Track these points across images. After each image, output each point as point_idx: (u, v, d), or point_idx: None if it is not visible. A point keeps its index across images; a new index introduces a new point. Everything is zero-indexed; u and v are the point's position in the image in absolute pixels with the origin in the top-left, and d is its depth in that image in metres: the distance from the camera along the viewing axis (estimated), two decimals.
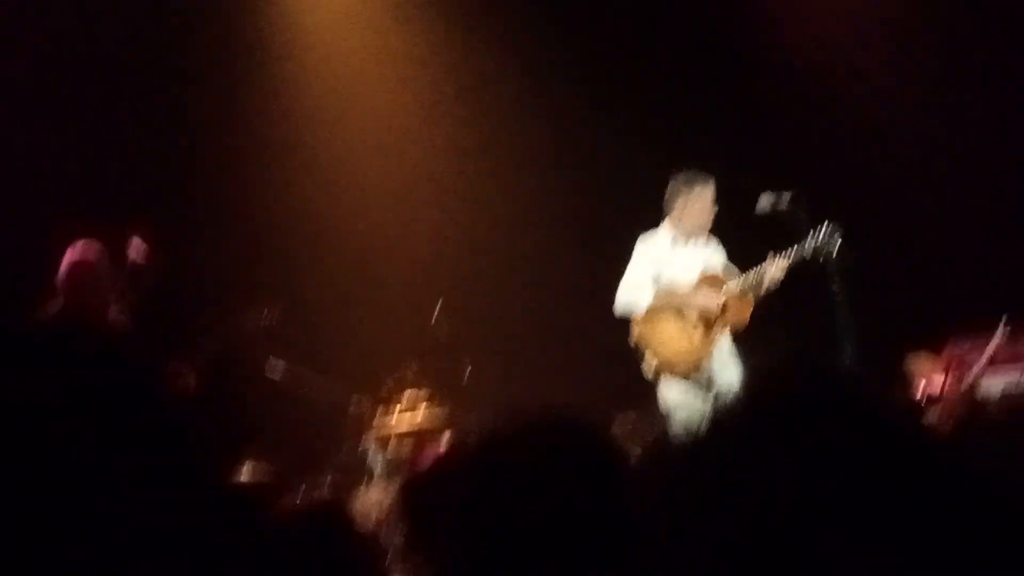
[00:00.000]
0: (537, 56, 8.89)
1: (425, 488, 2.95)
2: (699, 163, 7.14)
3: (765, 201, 6.87)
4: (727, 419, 1.35)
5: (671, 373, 6.98)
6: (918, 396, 6.31)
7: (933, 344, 6.78)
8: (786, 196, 6.84)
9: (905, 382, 6.49)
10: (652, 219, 7.19)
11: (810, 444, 1.24)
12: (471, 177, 8.94)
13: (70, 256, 6.10)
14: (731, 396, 1.40)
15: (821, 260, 6.79)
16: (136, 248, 6.10)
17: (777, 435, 1.26)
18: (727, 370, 7.00)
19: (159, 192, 8.15)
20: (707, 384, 6.95)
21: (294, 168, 8.75)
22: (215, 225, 8.43)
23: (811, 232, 6.80)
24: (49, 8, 8.05)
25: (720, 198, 7.05)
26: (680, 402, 6.93)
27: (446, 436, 7.06)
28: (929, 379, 6.55)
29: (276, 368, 7.38)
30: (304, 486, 6.82)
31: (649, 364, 7.00)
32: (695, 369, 6.97)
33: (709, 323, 6.99)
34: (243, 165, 8.58)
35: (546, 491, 1.76)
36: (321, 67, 8.97)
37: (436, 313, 7.92)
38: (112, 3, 8.19)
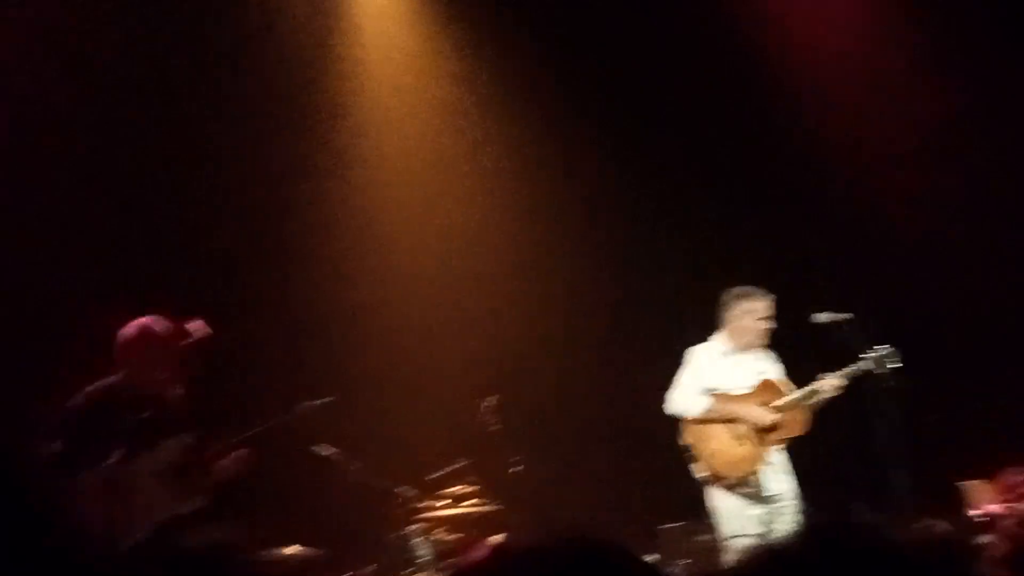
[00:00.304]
0: (603, 170, 8.98)
1: None
2: (757, 279, 7.16)
3: (822, 316, 6.86)
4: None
5: (720, 482, 6.93)
6: (972, 521, 6.22)
7: (987, 472, 6.69)
8: (842, 315, 6.83)
9: (959, 508, 6.40)
10: (704, 333, 7.21)
11: None
12: (526, 276, 9.00)
13: (136, 327, 6.23)
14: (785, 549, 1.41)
15: (876, 381, 6.74)
16: (197, 328, 6.21)
17: None
18: (779, 482, 6.94)
19: (215, 277, 8.28)
20: (758, 495, 6.88)
21: (349, 259, 8.86)
22: (269, 313, 8.55)
23: (867, 352, 6.76)
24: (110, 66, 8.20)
25: (777, 315, 7.06)
26: (729, 510, 6.87)
27: (497, 538, 7.03)
28: (982, 506, 6.46)
29: (326, 451, 7.42)
30: (350, 572, 6.83)
31: (699, 469, 6.96)
32: (745, 481, 6.91)
33: (761, 436, 6.94)
34: (298, 253, 8.70)
35: None
36: (376, 149, 9.07)
37: (487, 409, 7.94)
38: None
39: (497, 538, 6.94)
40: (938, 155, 8.48)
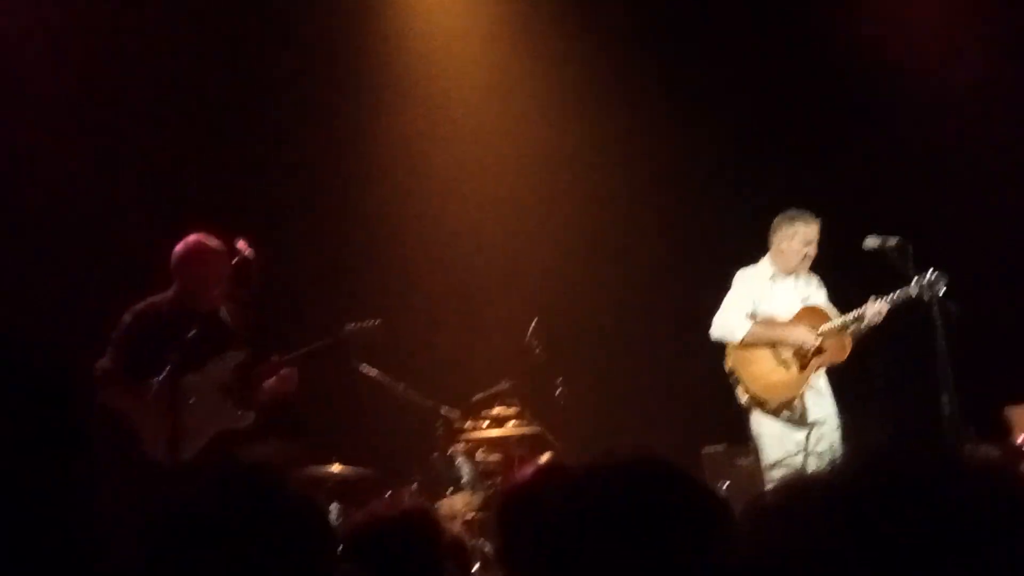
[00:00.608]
0: (649, 88, 8.89)
1: (520, 506, 2.97)
2: (808, 202, 7.11)
3: (872, 241, 6.80)
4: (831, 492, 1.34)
5: (762, 407, 6.95)
6: (1018, 448, 6.20)
7: None
8: (893, 240, 6.77)
9: (1004, 432, 6.38)
10: (754, 253, 7.19)
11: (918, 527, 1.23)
12: (570, 198, 8.96)
13: (189, 244, 6.27)
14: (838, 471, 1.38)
15: (924, 306, 6.70)
16: (243, 248, 6.23)
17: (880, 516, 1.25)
18: (820, 407, 6.95)
19: (267, 199, 8.31)
20: (800, 419, 6.90)
21: (398, 184, 8.84)
22: (316, 235, 8.57)
23: (915, 277, 6.71)
24: (170, 9, 8.22)
25: (825, 239, 7.02)
26: (771, 435, 6.90)
27: (544, 457, 7.08)
28: None
29: (370, 371, 7.48)
30: (391, 490, 6.91)
31: (741, 394, 6.98)
32: (787, 405, 6.93)
33: (805, 360, 6.94)
34: (350, 179, 8.69)
35: (637, 532, 1.77)
36: (427, 84, 9.03)
37: (530, 331, 7.96)
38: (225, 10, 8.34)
39: (545, 457, 6.99)
40: (994, 82, 8.35)
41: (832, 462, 1.45)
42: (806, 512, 1.33)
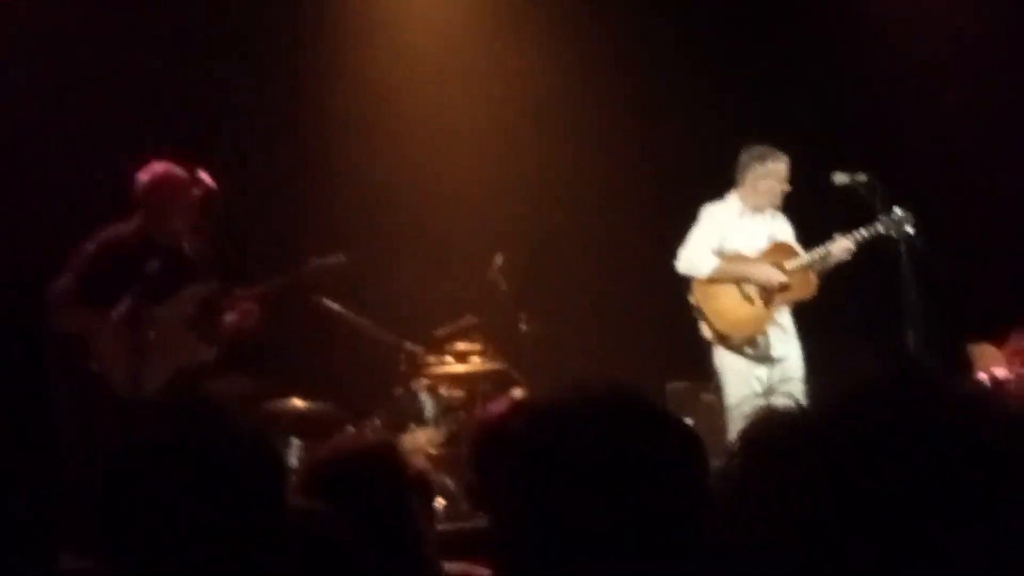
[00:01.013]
0: (614, 28, 8.81)
1: (492, 441, 2.94)
2: (775, 136, 7.08)
3: (841, 177, 6.79)
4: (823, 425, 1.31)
5: (726, 342, 6.95)
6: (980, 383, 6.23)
7: (997, 336, 6.71)
8: (862, 176, 6.76)
9: (966, 370, 6.42)
10: (719, 187, 7.16)
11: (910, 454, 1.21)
12: (536, 133, 8.89)
13: (154, 172, 6.15)
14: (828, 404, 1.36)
15: (890, 244, 6.71)
16: (205, 179, 6.13)
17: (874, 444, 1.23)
18: (785, 344, 6.97)
19: (229, 131, 8.18)
20: (764, 355, 6.91)
21: (362, 118, 8.73)
22: (282, 168, 8.46)
23: (882, 215, 6.71)
24: None
25: (792, 176, 6.99)
26: (734, 371, 6.91)
27: (517, 392, 7.07)
28: (990, 369, 6.49)
29: (333, 305, 7.43)
30: (353, 426, 6.89)
31: (705, 329, 6.98)
32: (751, 341, 6.93)
33: (769, 296, 6.94)
34: (314, 112, 8.57)
35: (608, 464, 1.73)
36: (394, 24, 8.90)
37: (494, 267, 7.93)
38: None
39: (518, 392, 6.99)
40: (961, 20, 8.33)
41: (814, 397, 1.42)
42: (795, 447, 1.30)
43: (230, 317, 6.31)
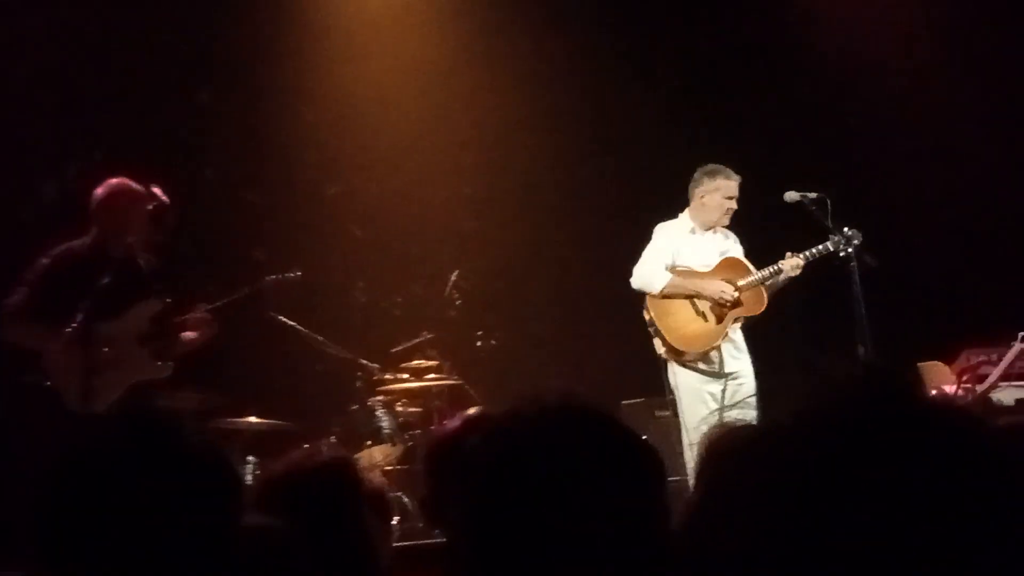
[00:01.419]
0: (574, 38, 8.86)
1: (446, 455, 2.93)
2: (728, 157, 7.15)
3: (792, 195, 6.90)
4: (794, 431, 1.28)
5: (680, 358, 7.00)
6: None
7: (946, 354, 6.79)
8: (812, 195, 6.87)
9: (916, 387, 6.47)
10: (674, 207, 7.22)
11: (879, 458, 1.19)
12: (491, 154, 8.92)
13: (110, 187, 6.15)
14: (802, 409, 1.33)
15: (840, 262, 6.79)
16: (159, 193, 6.12)
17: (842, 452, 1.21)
18: (737, 360, 7.02)
19: (186, 144, 8.16)
20: (718, 371, 6.97)
21: (321, 135, 8.74)
22: (240, 184, 8.45)
23: (831, 234, 6.81)
24: None
25: (744, 195, 7.07)
26: (688, 387, 6.95)
27: (473, 409, 7.07)
28: (940, 388, 6.56)
29: (290, 322, 7.41)
30: (309, 442, 6.86)
31: (659, 345, 7.02)
32: (704, 357, 6.98)
33: (722, 312, 7.00)
34: (274, 127, 8.56)
35: (563, 477, 1.74)
36: (356, 39, 8.90)
37: (451, 284, 7.95)
38: None
39: (472, 410, 6.99)
40: (912, 39, 8.45)
41: (768, 411, 1.40)
42: (766, 459, 1.29)
43: (188, 334, 6.28)
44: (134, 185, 6.15)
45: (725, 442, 1.66)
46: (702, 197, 7.07)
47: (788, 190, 6.94)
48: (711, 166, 7.10)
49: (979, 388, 6.52)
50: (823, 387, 1.32)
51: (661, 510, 1.71)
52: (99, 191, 6.16)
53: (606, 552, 1.68)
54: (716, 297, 6.96)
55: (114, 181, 6.18)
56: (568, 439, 1.78)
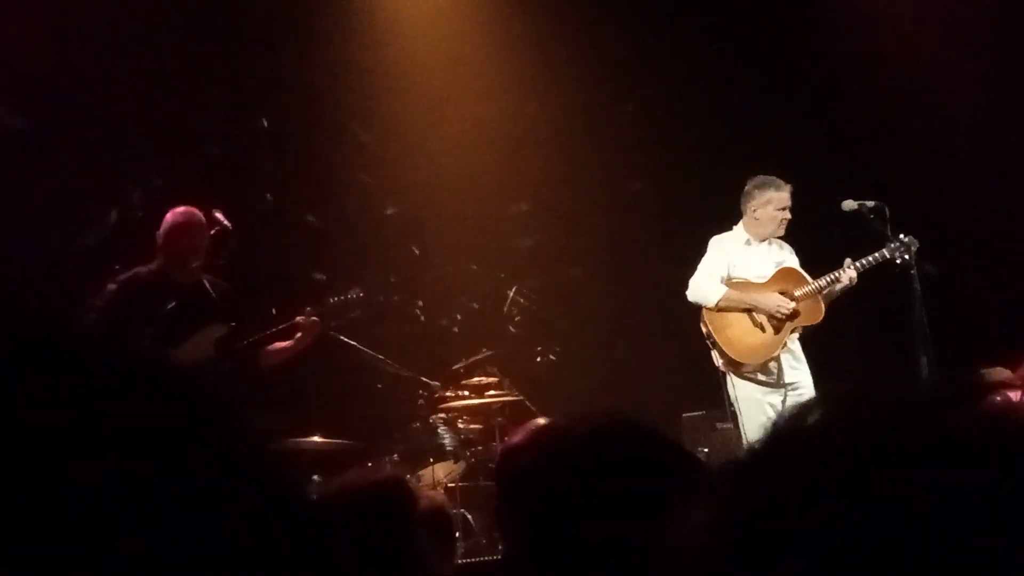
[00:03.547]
0: (625, 53, 8.88)
1: (507, 466, 2.96)
2: (785, 167, 7.13)
3: (850, 204, 6.88)
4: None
5: (739, 370, 6.98)
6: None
7: (1010, 360, 6.71)
8: (870, 203, 6.83)
9: (980, 396, 6.41)
10: (731, 219, 7.21)
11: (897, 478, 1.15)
12: (547, 170, 8.95)
13: (176, 215, 6.30)
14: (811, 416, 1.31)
15: (899, 271, 6.75)
16: (220, 218, 6.27)
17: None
18: (797, 371, 6.99)
19: (245, 169, 8.29)
20: (777, 381, 6.94)
21: (376, 154, 8.82)
22: (299, 206, 8.55)
23: (888, 242, 6.77)
24: None
25: (799, 205, 7.05)
26: (748, 399, 6.92)
27: (535, 421, 7.08)
28: (1004, 393, 6.47)
29: (352, 343, 7.49)
30: (371, 461, 6.92)
31: (718, 358, 7.01)
32: (763, 368, 6.96)
33: (780, 324, 6.97)
34: (330, 147, 8.67)
35: (609, 492, 1.77)
36: (413, 68, 8.97)
37: (510, 301, 7.99)
38: None
39: (537, 421, 7.01)
40: (968, 51, 8.38)
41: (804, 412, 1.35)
42: (784, 466, 1.29)
43: (279, 344, 6.45)
44: (196, 212, 6.30)
45: (744, 454, 1.67)
46: (754, 211, 7.05)
47: (846, 199, 6.92)
48: (761, 178, 7.08)
49: None
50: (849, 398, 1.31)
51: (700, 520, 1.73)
52: (168, 219, 6.32)
53: (652, 565, 1.71)
54: (773, 311, 6.94)
55: (179, 209, 6.34)
56: (617, 454, 1.82)
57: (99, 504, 0.81)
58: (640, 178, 8.93)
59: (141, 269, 6.30)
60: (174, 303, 5.90)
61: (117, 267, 6.36)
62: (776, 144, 8.13)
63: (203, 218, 6.29)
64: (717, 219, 7.27)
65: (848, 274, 6.84)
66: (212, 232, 6.25)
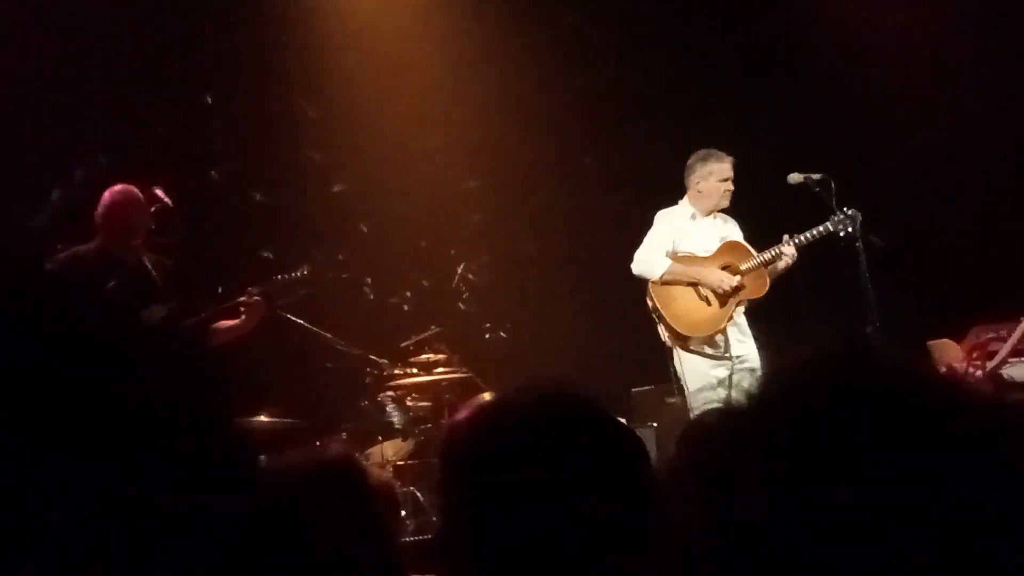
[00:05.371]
0: (574, 29, 8.86)
1: (448, 443, 2.94)
2: (725, 142, 7.14)
3: (796, 176, 6.89)
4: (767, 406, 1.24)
5: (685, 344, 6.99)
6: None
7: (955, 331, 6.77)
8: (814, 177, 6.85)
9: (926, 366, 6.45)
10: (675, 195, 7.22)
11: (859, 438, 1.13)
12: (495, 147, 8.92)
13: (114, 193, 6.21)
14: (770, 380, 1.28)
15: (843, 243, 6.78)
16: (161, 195, 6.19)
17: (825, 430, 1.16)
18: (743, 344, 7.02)
19: (192, 145, 8.19)
20: (723, 354, 6.96)
21: (326, 131, 8.75)
22: (243, 184, 8.47)
23: (833, 215, 6.79)
24: None
25: (746, 178, 7.06)
26: (694, 372, 6.94)
27: (483, 398, 7.08)
28: (950, 365, 6.54)
29: (298, 320, 7.43)
30: (319, 440, 6.88)
31: (664, 332, 7.02)
32: (710, 341, 6.98)
33: (725, 297, 6.99)
34: (278, 122, 8.59)
35: (543, 466, 1.75)
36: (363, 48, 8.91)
37: (457, 278, 7.96)
38: None
39: (483, 396, 7.00)
40: (914, 21, 8.42)
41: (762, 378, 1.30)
42: (741, 433, 1.26)
43: (225, 322, 6.38)
44: (134, 189, 6.21)
45: (696, 427, 1.67)
46: (698, 184, 7.08)
47: (792, 171, 6.94)
48: (702, 151, 7.10)
49: (989, 365, 6.50)
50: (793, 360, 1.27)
51: (645, 496, 1.73)
52: (106, 197, 6.23)
53: (587, 534, 1.70)
54: (715, 286, 6.96)
55: (116, 187, 6.26)
56: (548, 427, 1.80)
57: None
58: (589, 153, 8.91)
59: (80, 248, 6.21)
60: (115, 282, 5.81)
61: (59, 246, 6.26)
62: (724, 118, 8.14)
63: (140, 196, 6.20)
64: (665, 194, 7.27)
65: (787, 250, 6.87)
66: (152, 210, 6.17)
